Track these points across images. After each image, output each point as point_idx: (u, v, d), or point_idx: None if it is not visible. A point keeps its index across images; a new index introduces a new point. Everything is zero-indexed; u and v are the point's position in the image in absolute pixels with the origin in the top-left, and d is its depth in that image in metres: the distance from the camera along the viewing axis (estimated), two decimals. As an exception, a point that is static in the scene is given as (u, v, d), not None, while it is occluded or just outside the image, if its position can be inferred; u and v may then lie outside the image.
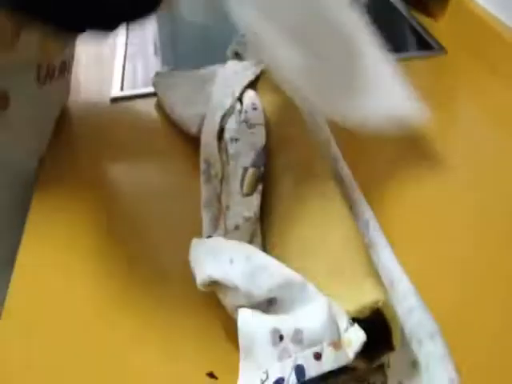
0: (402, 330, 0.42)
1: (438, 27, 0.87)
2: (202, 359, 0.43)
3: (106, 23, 0.45)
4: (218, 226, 0.50)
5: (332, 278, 0.42)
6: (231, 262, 0.42)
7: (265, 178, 0.51)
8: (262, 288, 0.40)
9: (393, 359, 0.41)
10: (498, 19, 0.75)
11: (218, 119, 0.57)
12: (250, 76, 0.62)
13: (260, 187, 0.50)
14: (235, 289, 0.41)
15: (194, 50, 0.89)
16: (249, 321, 0.40)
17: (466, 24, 0.81)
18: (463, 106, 0.71)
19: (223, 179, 0.54)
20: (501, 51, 0.73)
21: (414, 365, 0.41)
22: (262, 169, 0.51)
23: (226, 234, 0.48)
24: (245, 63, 0.67)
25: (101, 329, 0.46)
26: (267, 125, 0.55)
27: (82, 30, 0.44)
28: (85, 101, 0.74)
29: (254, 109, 0.56)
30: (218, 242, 0.46)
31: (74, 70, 0.71)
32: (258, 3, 0.48)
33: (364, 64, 0.52)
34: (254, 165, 0.51)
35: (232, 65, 0.66)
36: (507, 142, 0.64)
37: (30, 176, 0.62)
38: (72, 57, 0.68)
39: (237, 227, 0.47)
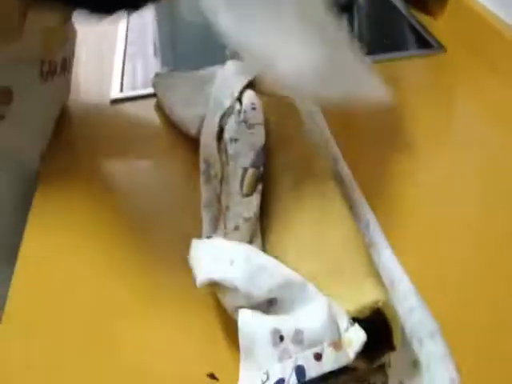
0: (402, 330, 0.42)
1: (438, 25, 0.87)
2: (203, 360, 0.43)
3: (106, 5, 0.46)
4: (218, 226, 0.51)
5: (332, 278, 0.42)
6: (231, 262, 0.42)
7: (264, 178, 0.51)
8: (261, 288, 0.40)
9: (393, 359, 0.41)
10: (498, 17, 0.75)
11: (217, 120, 0.57)
12: (249, 76, 0.62)
13: (260, 187, 0.50)
14: (235, 289, 0.41)
15: (193, 50, 0.89)
16: (249, 321, 0.40)
17: (465, 22, 0.81)
18: (463, 103, 0.71)
19: (223, 180, 0.53)
20: (500, 49, 0.73)
21: (414, 364, 0.41)
22: (262, 169, 0.51)
23: (226, 235, 0.48)
24: (244, 63, 0.67)
25: (102, 330, 0.47)
26: (266, 124, 0.55)
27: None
28: (85, 102, 0.74)
29: (253, 109, 0.56)
30: (218, 242, 0.46)
31: (74, 70, 0.71)
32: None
33: (337, 54, 0.53)
34: (253, 165, 0.50)
35: (231, 65, 0.65)
36: (507, 139, 0.64)
37: (32, 173, 0.62)
38: (72, 54, 0.69)
39: (237, 228, 0.47)
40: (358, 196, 0.54)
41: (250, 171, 0.50)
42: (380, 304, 0.39)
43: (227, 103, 0.59)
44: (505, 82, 0.71)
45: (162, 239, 0.53)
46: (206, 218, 0.52)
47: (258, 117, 0.55)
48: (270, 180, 0.51)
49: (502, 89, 0.70)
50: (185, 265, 0.45)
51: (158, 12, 1.02)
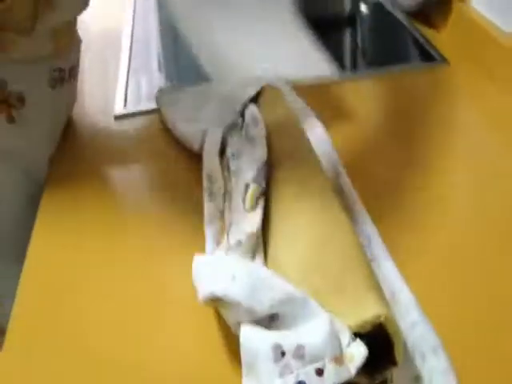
0: (404, 345, 0.42)
1: (441, 38, 0.87)
2: (205, 375, 0.43)
3: None
4: (221, 242, 0.51)
5: (333, 293, 0.42)
6: (233, 278, 0.42)
7: (266, 192, 0.51)
8: (263, 304, 0.40)
9: (396, 374, 0.40)
10: (501, 30, 0.75)
11: (219, 135, 0.58)
12: (251, 91, 0.62)
13: (262, 203, 0.50)
14: (237, 305, 0.41)
15: (197, 65, 0.90)
16: (251, 336, 0.40)
17: (468, 35, 0.81)
18: (465, 116, 0.71)
19: (226, 195, 0.54)
20: (504, 62, 0.73)
21: (416, 380, 0.41)
22: (264, 184, 0.51)
23: (229, 250, 0.48)
24: (246, 78, 0.67)
25: (107, 332, 0.47)
26: (268, 139, 0.55)
27: None
28: (89, 117, 0.75)
29: (256, 124, 0.57)
30: (221, 258, 0.47)
31: (79, 78, 0.73)
32: None
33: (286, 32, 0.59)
34: (255, 181, 0.51)
35: (234, 80, 0.66)
36: (508, 149, 0.64)
37: (41, 175, 0.65)
38: (78, 62, 0.71)
39: (239, 243, 0.47)
40: (360, 208, 0.54)
41: (252, 187, 0.50)
42: (382, 319, 0.39)
43: (229, 118, 0.59)
44: (508, 96, 0.71)
45: (165, 255, 0.54)
46: (208, 233, 0.52)
47: (260, 132, 0.56)
48: (271, 194, 0.51)
49: (504, 103, 0.70)
50: (187, 281, 0.45)
51: (161, 25, 1.03)
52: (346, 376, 0.37)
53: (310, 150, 0.56)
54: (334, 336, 0.39)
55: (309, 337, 0.39)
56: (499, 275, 0.49)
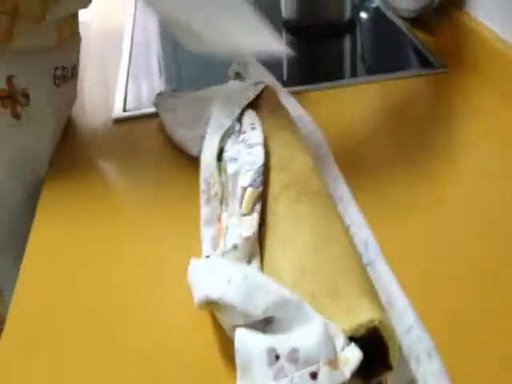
0: (400, 349, 0.42)
1: (439, 45, 0.87)
2: (199, 379, 0.43)
3: None
4: (217, 245, 0.51)
5: (329, 298, 0.42)
6: (228, 282, 0.42)
7: (263, 198, 0.51)
8: (258, 307, 0.40)
9: (390, 378, 0.40)
10: (500, 37, 0.75)
11: (217, 139, 0.58)
12: (249, 96, 0.62)
13: (258, 207, 0.50)
14: (232, 308, 0.41)
15: (197, 70, 0.90)
16: (246, 340, 0.40)
17: (466, 41, 0.81)
18: (464, 123, 0.71)
19: (223, 199, 0.54)
20: (502, 69, 0.73)
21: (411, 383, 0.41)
22: (261, 188, 0.51)
23: (225, 254, 0.48)
24: (245, 83, 0.67)
25: (106, 326, 0.48)
26: (266, 144, 0.55)
27: None
28: (88, 120, 0.76)
29: (253, 128, 0.57)
30: (216, 261, 0.47)
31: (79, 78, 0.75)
32: None
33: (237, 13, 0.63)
34: (252, 185, 0.51)
35: (232, 85, 0.66)
36: (505, 153, 0.64)
37: (42, 172, 0.67)
38: (78, 61, 0.74)
39: (235, 247, 0.47)
40: (357, 214, 0.54)
41: (249, 191, 0.50)
42: (376, 323, 0.39)
43: (227, 123, 0.59)
44: (507, 101, 0.71)
45: (161, 258, 0.54)
46: (205, 237, 0.53)
47: (257, 137, 0.56)
48: (268, 199, 0.51)
49: (502, 109, 0.71)
50: (182, 284, 0.45)
51: (162, 28, 1.04)
52: (340, 380, 0.37)
53: (308, 155, 0.56)
54: (329, 340, 0.39)
55: (303, 340, 0.39)
56: (498, 281, 0.49)
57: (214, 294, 0.41)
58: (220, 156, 0.57)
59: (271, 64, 0.75)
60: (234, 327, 0.41)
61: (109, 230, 0.58)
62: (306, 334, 0.39)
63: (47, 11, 0.60)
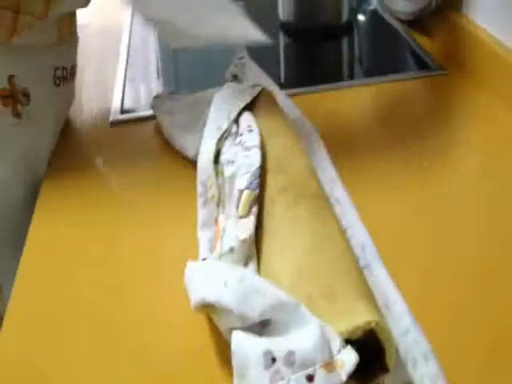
0: (396, 352, 0.42)
1: (437, 47, 0.87)
2: (196, 382, 0.43)
3: None
4: (214, 248, 0.51)
5: (325, 301, 0.42)
6: (225, 284, 0.42)
7: (260, 200, 0.51)
8: (255, 310, 0.40)
9: (387, 381, 0.40)
10: (498, 40, 0.75)
11: (214, 142, 0.58)
12: (246, 98, 0.62)
13: (255, 209, 0.50)
14: (229, 311, 0.41)
15: (194, 72, 0.90)
16: (242, 343, 0.40)
17: (464, 44, 0.81)
18: (462, 125, 0.71)
19: (220, 202, 0.54)
20: (500, 71, 0.73)
21: (408, 386, 0.41)
22: (258, 191, 0.51)
23: (221, 257, 0.48)
24: (242, 86, 0.67)
25: (105, 323, 0.48)
26: (263, 146, 0.55)
27: None
28: (86, 121, 0.76)
29: (250, 131, 0.57)
30: (213, 264, 0.47)
31: (76, 79, 0.75)
32: None
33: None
34: (249, 187, 0.51)
35: (229, 87, 0.66)
36: (503, 154, 0.64)
37: (41, 171, 0.68)
38: (76, 62, 0.74)
39: (232, 250, 0.47)
40: (354, 217, 0.54)
41: (246, 193, 0.50)
42: (373, 325, 0.39)
43: (224, 126, 0.59)
44: (505, 105, 0.71)
45: (158, 261, 0.54)
46: (202, 239, 0.53)
47: (254, 139, 0.56)
48: (265, 202, 0.51)
49: (501, 112, 0.71)
50: (179, 285, 0.45)
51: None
52: (336, 382, 0.37)
53: (306, 158, 0.56)
54: (325, 342, 0.39)
55: (299, 343, 0.39)
56: (495, 285, 0.49)
57: (211, 297, 0.41)
58: (217, 158, 0.57)
59: (268, 66, 0.75)
60: (231, 330, 0.41)
61: (106, 229, 0.58)
62: (303, 337, 0.39)
63: (49, 8, 0.61)
